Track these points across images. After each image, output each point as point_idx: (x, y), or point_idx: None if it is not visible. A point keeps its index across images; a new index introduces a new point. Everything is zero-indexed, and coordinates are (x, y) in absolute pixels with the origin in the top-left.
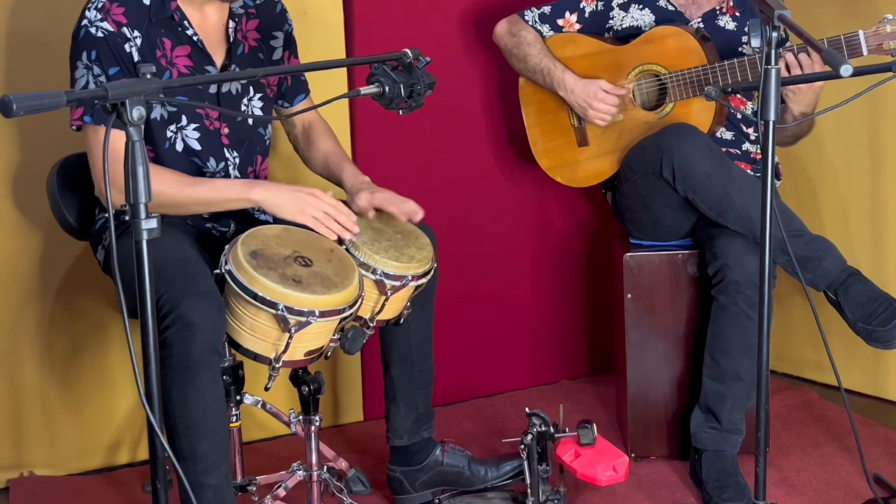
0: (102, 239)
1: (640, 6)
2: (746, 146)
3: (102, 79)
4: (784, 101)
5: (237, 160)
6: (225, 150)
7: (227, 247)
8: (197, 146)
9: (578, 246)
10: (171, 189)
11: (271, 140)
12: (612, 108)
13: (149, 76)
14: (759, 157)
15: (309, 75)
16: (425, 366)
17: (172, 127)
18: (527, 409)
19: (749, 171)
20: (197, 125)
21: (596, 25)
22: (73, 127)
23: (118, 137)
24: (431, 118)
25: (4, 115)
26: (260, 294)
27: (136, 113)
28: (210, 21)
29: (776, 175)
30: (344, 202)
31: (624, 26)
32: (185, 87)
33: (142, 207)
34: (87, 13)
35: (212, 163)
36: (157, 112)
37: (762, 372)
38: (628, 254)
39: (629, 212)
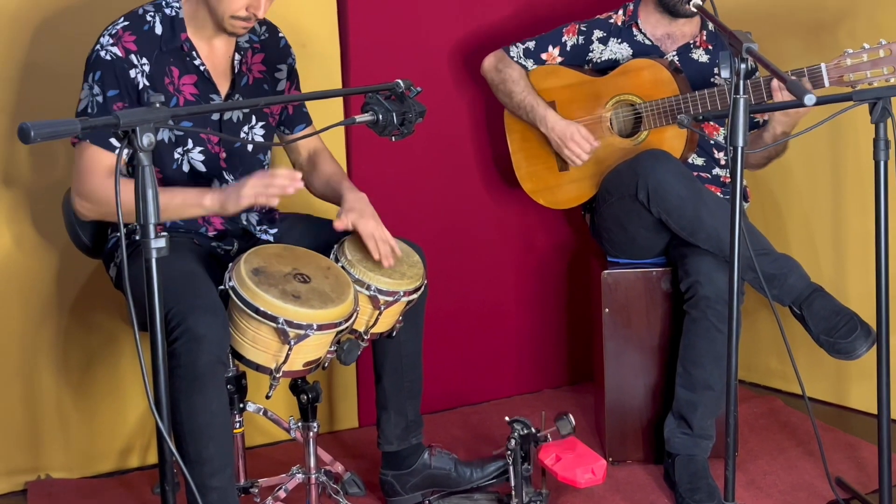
0: (114, 257)
1: (619, 40)
2: (716, 171)
3: (100, 98)
4: (766, 121)
5: (233, 183)
6: (223, 172)
7: (230, 264)
8: (202, 168)
9: (559, 264)
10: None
11: (270, 166)
12: (585, 153)
13: (158, 105)
14: (728, 180)
15: (308, 104)
16: (415, 376)
17: (180, 149)
18: (507, 418)
19: (719, 193)
20: (202, 149)
21: (577, 58)
22: (73, 143)
23: (102, 156)
24: (422, 144)
25: (23, 141)
26: (261, 309)
27: (146, 139)
28: (217, 53)
29: (744, 198)
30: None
31: (603, 59)
32: (192, 115)
33: (151, 228)
34: (101, 39)
35: (216, 184)
36: (165, 135)
37: (731, 381)
38: (606, 271)
39: (607, 232)
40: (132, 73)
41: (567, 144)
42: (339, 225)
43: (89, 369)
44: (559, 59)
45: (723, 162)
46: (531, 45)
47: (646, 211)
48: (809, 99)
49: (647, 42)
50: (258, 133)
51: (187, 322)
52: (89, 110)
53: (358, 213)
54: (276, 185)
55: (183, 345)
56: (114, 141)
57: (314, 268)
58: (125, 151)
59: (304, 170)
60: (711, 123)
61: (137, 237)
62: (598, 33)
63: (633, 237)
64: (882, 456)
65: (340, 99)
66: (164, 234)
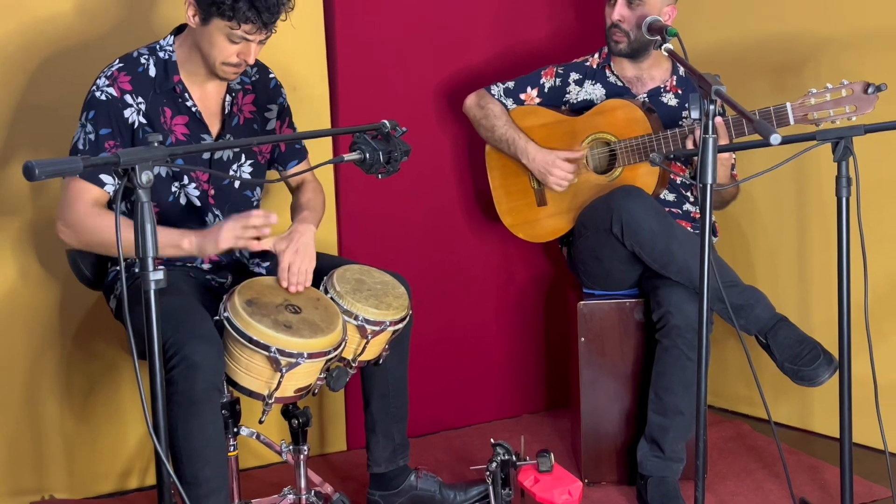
0: (115, 289)
1: (593, 82)
2: (687, 206)
3: (91, 136)
4: None
5: (221, 219)
6: (212, 208)
7: (225, 296)
8: (198, 203)
9: (538, 294)
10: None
11: (260, 202)
12: (569, 175)
13: (156, 144)
14: (698, 216)
15: (298, 146)
16: (401, 401)
17: (176, 184)
18: (492, 440)
19: (689, 228)
20: (196, 184)
21: (554, 99)
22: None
23: (88, 187)
24: (408, 181)
25: (28, 178)
26: (254, 338)
27: (145, 177)
28: (209, 95)
29: (713, 232)
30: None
31: (579, 99)
32: (188, 153)
33: (150, 261)
34: (98, 80)
35: (209, 218)
36: (162, 169)
37: (700, 406)
38: (582, 302)
39: (583, 264)
40: (126, 112)
41: (550, 171)
42: (257, 246)
43: (91, 395)
44: (537, 100)
45: (692, 199)
46: (511, 85)
47: (620, 244)
48: (775, 138)
49: (620, 84)
50: (246, 171)
51: (184, 351)
52: (80, 146)
53: (287, 241)
54: (252, 228)
55: (180, 372)
56: (104, 176)
57: (305, 299)
58: (111, 187)
59: (293, 197)
60: (678, 164)
61: (137, 270)
62: (574, 75)
63: (607, 269)
64: (844, 478)
65: (330, 138)
66: (162, 267)
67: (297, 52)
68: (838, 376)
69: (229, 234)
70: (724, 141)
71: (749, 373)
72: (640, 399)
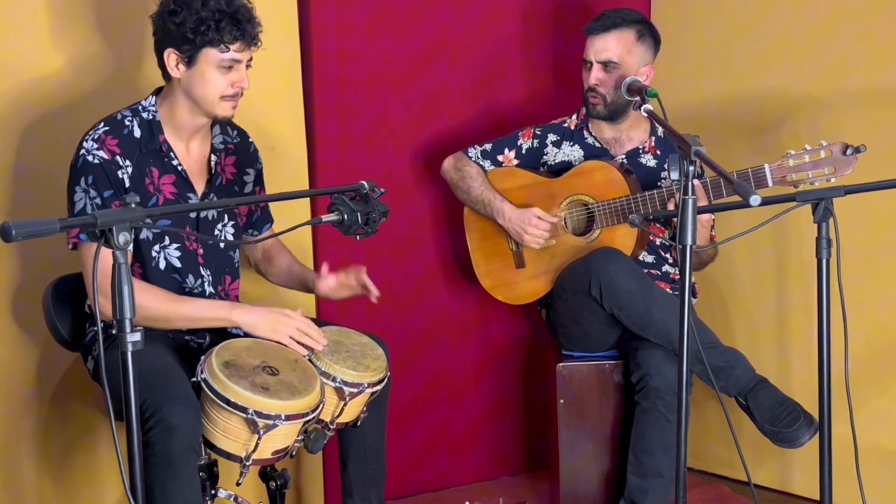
0: (92, 350)
1: (571, 143)
2: (666, 268)
3: (98, 201)
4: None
5: (210, 277)
6: (200, 268)
7: (202, 357)
8: (178, 264)
9: (516, 356)
10: (159, 304)
11: (240, 263)
12: (545, 232)
13: (133, 205)
14: (677, 277)
15: (276, 204)
16: (379, 464)
17: (157, 247)
18: (467, 503)
19: (668, 289)
20: (178, 245)
21: (532, 160)
22: (70, 245)
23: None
24: (386, 242)
25: (4, 240)
26: (232, 400)
27: (123, 238)
28: (193, 154)
29: (693, 293)
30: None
31: (557, 161)
32: (165, 214)
33: (127, 322)
34: (84, 144)
35: (190, 279)
36: (145, 233)
37: (680, 469)
38: (561, 364)
39: (561, 326)
40: (119, 173)
41: (526, 230)
42: (331, 282)
43: (68, 457)
44: (515, 162)
45: (671, 260)
46: (488, 147)
47: (598, 306)
48: (755, 200)
49: (598, 145)
50: (229, 231)
51: (161, 412)
52: (89, 212)
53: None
54: (311, 340)
55: (157, 434)
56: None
57: (282, 360)
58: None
59: (259, 263)
60: (657, 225)
61: (114, 331)
62: (552, 137)
63: (586, 331)
64: None
65: (308, 199)
66: (140, 328)
67: (274, 112)
68: (819, 438)
69: (285, 329)
70: (702, 202)
71: (729, 435)
72: (620, 461)
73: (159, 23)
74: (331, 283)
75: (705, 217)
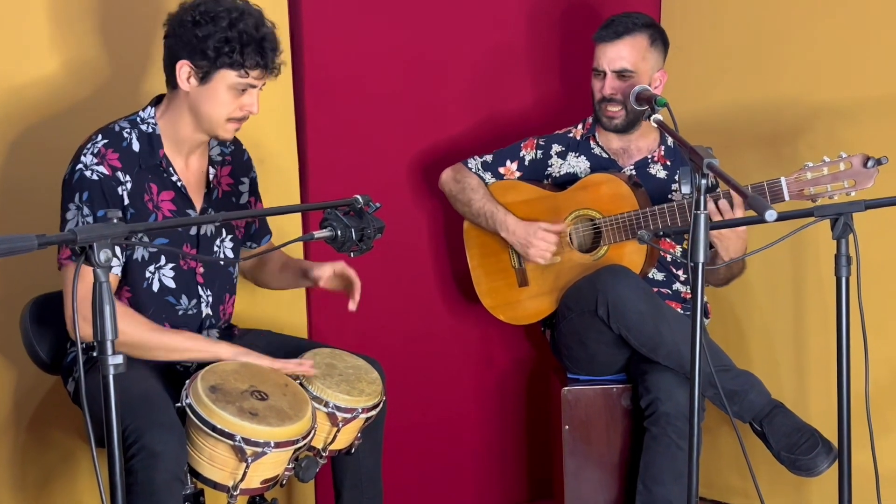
0: (72, 372)
1: (577, 154)
2: (677, 286)
3: (90, 220)
4: (713, 246)
5: (210, 298)
6: (199, 287)
7: (187, 381)
8: (172, 284)
9: (519, 380)
10: (138, 331)
11: (238, 277)
12: (552, 245)
13: (115, 220)
14: (688, 296)
15: (266, 219)
16: (374, 492)
17: (151, 267)
18: None
19: (679, 309)
20: (174, 264)
21: (535, 172)
22: (59, 266)
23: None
24: (381, 260)
25: None
26: (218, 426)
27: (104, 255)
28: (192, 169)
29: (705, 313)
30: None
31: (562, 173)
32: (150, 230)
33: (109, 344)
34: (82, 158)
35: (184, 300)
36: (139, 253)
37: (692, 499)
38: (566, 388)
39: (566, 348)
40: (119, 190)
41: (532, 243)
42: (326, 270)
43: (46, 486)
44: (517, 174)
45: (682, 278)
46: (489, 158)
47: (605, 327)
48: (770, 215)
49: (605, 156)
50: (228, 246)
51: (144, 439)
52: None
53: (330, 263)
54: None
55: (140, 462)
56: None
57: (272, 384)
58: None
59: (253, 271)
60: (668, 241)
61: (95, 353)
62: (556, 147)
63: (592, 353)
64: None
65: (299, 214)
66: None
67: (263, 121)
68: (838, 466)
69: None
70: (738, 212)
71: (743, 462)
72: (628, 490)
73: (178, 30)
74: (327, 271)
75: (741, 228)
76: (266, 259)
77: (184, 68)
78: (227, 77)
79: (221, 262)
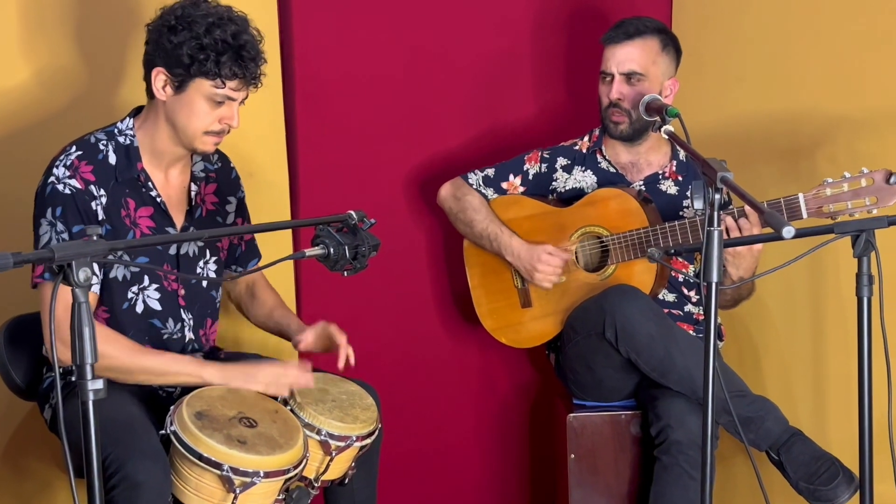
0: (50, 398)
1: (583, 168)
2: (689, 307)
3: (65, 236)
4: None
5: (191, 322)
6: (181, 311)
7: (172, 407)
8: (157, 307)
9: (522, 406)
10: (121, 354)
11: (221, 303)
12: (558, 269)
13: (95, 237)
14: (701, 318)
15: (256, 236)
16: None
17: (134, 288)
18: None
19: (691, 332)
20: (157, 286)
21: (539, 187)
22: (33, 285)
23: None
24: (376, 279)
25: None
26: (205, 455)
27: (83, 274)
28: (173, 184)
29: (719, 336)
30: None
31: (567, 188)
32: (132, 248)
33: (88, 368)
34: (54, 171)
35: (170, 323)
36: (120, 272)
37: None
38: (572, 414)
39: (572, 372)
40: (93, 204)
41: (537, 267)
42: (309, 335)
43: None
44: (521, 189)
45: (695, 299)
46: (491, 172)
47: (613, 350)
48: (788, 231)
49: (612, 170)
50: (212, 268)
51: (126, 468)
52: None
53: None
54: (290, 377)
55: (121, 493)
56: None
57: (261, 411)
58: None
59: (242, 300)
60: (680, 259)
61: (74, 378)
62: (561, 161)
63: (600, 378)
64: None
65: (289, 231)
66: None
67: (252, 134)
68: (859, 497)
69: (269, 378)
70: (757, 229)
71: (759, 493)
72: None
73: (155, 36)
74: (309, 338)
75: (757, 246)
76: (256, 292)
77: (159, 76)
78: (202, 87)
79: (205, 283)
